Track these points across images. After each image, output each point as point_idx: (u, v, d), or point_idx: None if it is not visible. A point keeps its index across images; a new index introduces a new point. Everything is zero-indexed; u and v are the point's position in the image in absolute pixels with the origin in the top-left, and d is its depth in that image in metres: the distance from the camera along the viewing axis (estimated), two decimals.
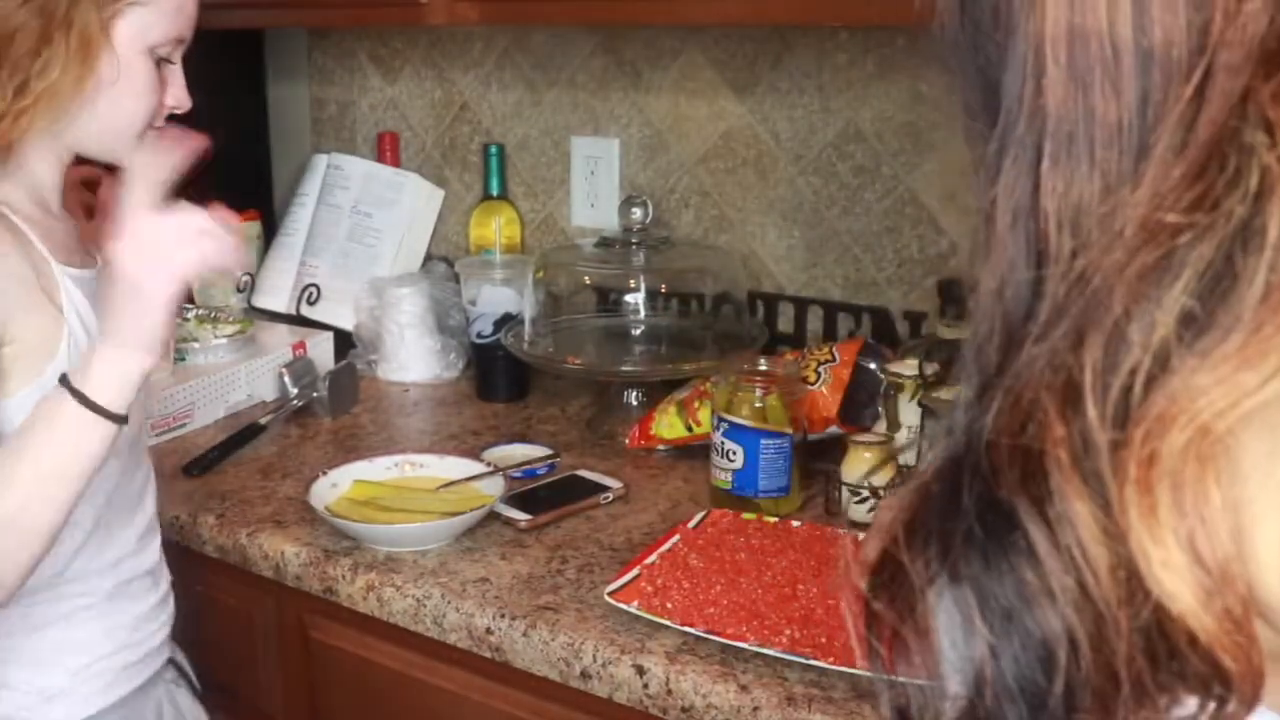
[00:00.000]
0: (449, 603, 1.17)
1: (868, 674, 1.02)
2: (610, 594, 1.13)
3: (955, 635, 0.41)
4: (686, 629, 1.07)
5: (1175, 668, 0.36)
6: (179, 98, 1.12)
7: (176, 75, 1.12)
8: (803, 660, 1.02)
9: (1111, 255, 0.37)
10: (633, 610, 1.10)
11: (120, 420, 0.97)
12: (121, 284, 0.96)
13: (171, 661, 1.23)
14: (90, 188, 1.18)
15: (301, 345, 1.78)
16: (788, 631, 1.06)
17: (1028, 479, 0.38)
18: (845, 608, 0.47)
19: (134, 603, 1.16)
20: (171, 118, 1.14)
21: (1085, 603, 0.37)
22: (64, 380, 0.96)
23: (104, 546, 1.12)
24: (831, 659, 1.01)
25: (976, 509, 0.40)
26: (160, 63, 1.09)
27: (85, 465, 0.97)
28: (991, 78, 0.42)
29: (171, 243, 0.97)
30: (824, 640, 1.04)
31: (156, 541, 1.20)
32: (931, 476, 0.43)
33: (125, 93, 1.06)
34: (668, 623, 1.08)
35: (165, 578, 1.22)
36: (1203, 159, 0.36)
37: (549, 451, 1.50)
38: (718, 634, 1.06)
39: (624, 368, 1.66)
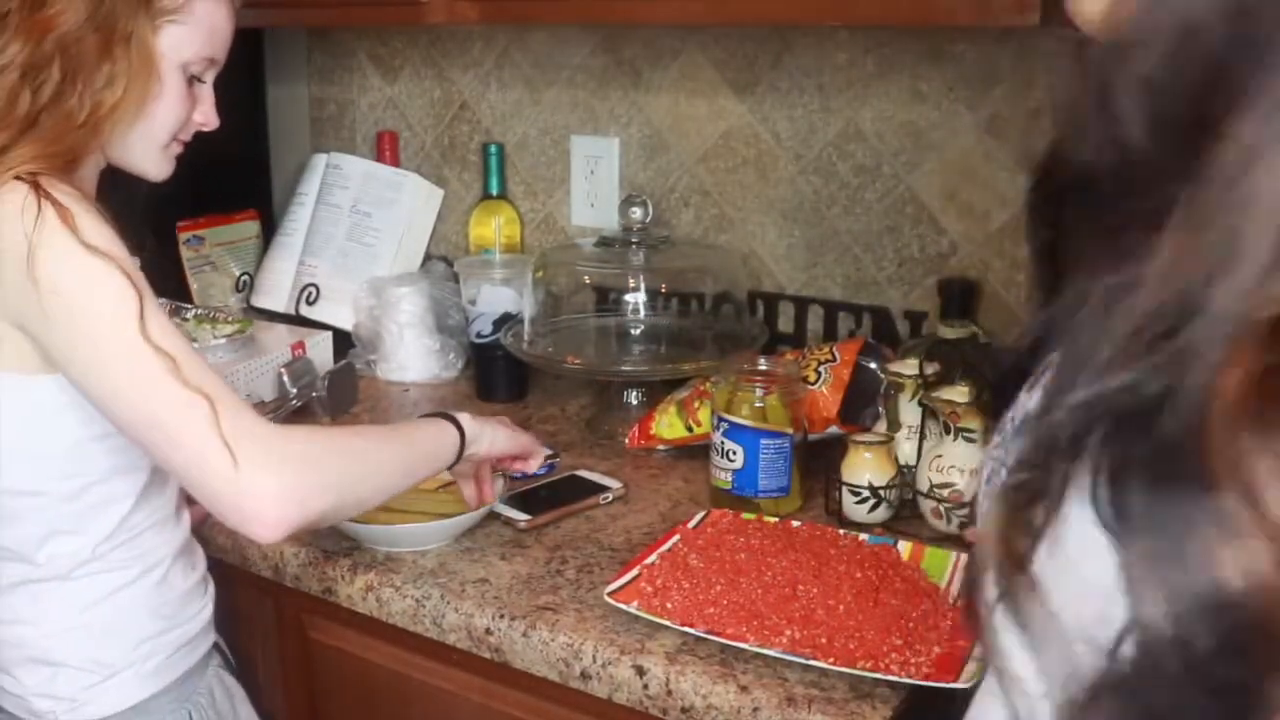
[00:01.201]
0: (448, 603, 1.17)
1: (870, 675, 1.02)
2: (610, 594, 1.12)
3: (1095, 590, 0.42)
4: (686, 629, 1.07)
5: None
6: (208, 115, 1.17)
7: (207, 94, 1.17)
8: (803, 660, 1.02)
9: None
10: (632, 610, 1.10)
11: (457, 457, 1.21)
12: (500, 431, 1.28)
13: (216, 645, 1.25)
14: None
15: (300, 345, 1.78)
16: (788, 632, 1.06)
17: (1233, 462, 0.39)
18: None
19: (176, 580, 1.18)
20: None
21: (1266, 572, 0.38)
22: (445, 416, 1.22)
23: (148, 517, 1.14)
24: (831, 659, 1.01)
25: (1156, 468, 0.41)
26: (192, 80, 1.13)
27: (428, 473, 1.20)
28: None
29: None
30: (824, 640, 1.04)
31: (187, 519, 1.22)
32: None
33: (158, 105, 1.10)
34: (667, 623, 1.08)
35: (201, 559, 1.24)
36: None
37: (549, 451, 1.50)
38: (718, 634, 1.06)
39: (624, 368, 1.66)
